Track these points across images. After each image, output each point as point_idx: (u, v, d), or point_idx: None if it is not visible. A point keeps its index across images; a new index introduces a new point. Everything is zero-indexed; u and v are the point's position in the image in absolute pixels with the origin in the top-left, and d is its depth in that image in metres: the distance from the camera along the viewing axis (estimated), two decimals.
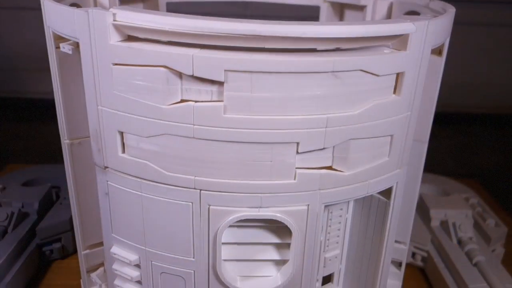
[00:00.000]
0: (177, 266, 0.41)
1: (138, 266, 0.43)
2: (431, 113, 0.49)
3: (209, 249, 0.40)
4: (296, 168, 0.38)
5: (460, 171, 1.20)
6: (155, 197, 0.39)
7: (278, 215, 0.39)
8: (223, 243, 0.40)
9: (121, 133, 0.39)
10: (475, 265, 0.70)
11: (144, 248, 0.42)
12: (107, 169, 0.41)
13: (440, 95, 0.49)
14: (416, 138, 0.49)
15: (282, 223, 0.39)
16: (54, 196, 0.85)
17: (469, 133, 1.45)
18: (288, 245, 0.41)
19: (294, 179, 0.38)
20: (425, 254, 0.78)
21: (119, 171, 0.40)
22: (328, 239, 0.48)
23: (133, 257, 0.43)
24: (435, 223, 0.80)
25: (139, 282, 0.44)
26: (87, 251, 0.53)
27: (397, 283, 0.57)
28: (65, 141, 0.47)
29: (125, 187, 0.40)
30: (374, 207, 0.46)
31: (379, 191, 0.42)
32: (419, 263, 0.79)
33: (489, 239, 0.76)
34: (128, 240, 0.43)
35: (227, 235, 0.40)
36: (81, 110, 0.44)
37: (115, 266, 0.45)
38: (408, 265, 0.79)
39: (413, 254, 0.79)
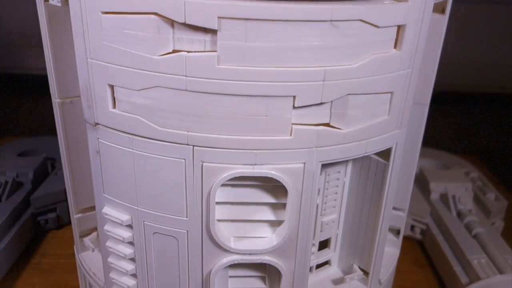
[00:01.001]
0: (170, 226, 0.40)
1: (130, 226, 0.42)
2: (433, 75, 0.47)
3: (202, 208, 0.39)
4: (292, 124, 0.37)
5: (460, 149, 1.19)
6: (147, 154, 0.38)
7: (273, 172, 0.37)
8: (217, 203, 0.39)
9: (112, 87, 0.38)
10: (474, 236, 0.69)
11: (136, 207, 0.41)
12: (97, 126, 0.40)
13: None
14: (417, 101, 0.48)
15: (278, 182, 0.38)
16: (50, 168, 0.85)
17: (469, 113, 1.43)
18: (283, 206, 0.40)
19: (290, 135, 0.37)
20: (424, 227, 0.77)
21: (110, 128, 0.39)
22: (325, 203, 0.47)
23: (125, 217, 0.42)
24: (434, 196, 0.79)
25: (131, 243, 0.43)
26: (80, 215, 0.52)
27: (395, 250, 0.56)
28: (56, 100, 0.45)
29: (116, 144, 0.39)
30: (372, 170, 0.45)
31: (378, 151, 0.41)
32: (417, 236, 0.78)
33: (488, 213, 0.75)
34: (119, 200, 0.42)
35: (221, 195, 0.39)
36: (72, 69, 0.42)
37: (107, 227, 0.44)
38: (407, 238, 0.78)
39: (412, 227, 0.78)
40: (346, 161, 0.46)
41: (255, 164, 0.37)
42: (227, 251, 0.40)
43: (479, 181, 0.84)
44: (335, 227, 0.49)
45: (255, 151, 0.37)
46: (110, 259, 0.45)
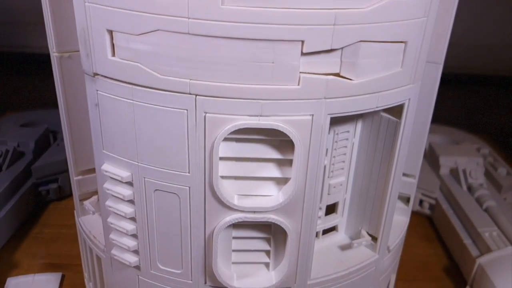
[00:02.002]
0: (171, 182, 0.39)
1: (130, 184, 0.41)
2: (447, 32, 0.45)
3: (205, 163, 0.37)
4: (301, 72, 0.35)
5: (469, 129, 1.17)
6: (147, 104, 0.36)
7: (280, 124, 0.36)
8: (220, 158, 0.37)
9: (110, 32, 0.36)
10: (486, 210, 0.68)
11: (136, 163, 0.39)
12: (96, 76, 0.38)
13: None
14: (430, 59, 0.45)
15: (284, 136, 0.36)
16: (52, 139, 0.83)
17: (478, 94, 1.40)
18: (290, 162, 0.38)
19: (298, 84, 0.35)
20: (433, 202, 0.75)
21: (109, 78, 0.37)
22: (333, 164, 0.45)
23: (125, 173, 0.40)
24: (444, 170, 0.77)
25: (131, 201, 0.41)
26: (80, 177, 0.50)
27: (404, 219, 0.54)
28: (54, 54, 0.44)
29: (116, 95, 0.37)
30: (383, 129, 0.43)
31: (390, 106, 0.39)
32: (426, 211, 0.76)
33: (500, 187, 0.74)
34: (119, 156, 0.40)
35: (225, 150, 0.38)
36: (70, 20, 0.40)
37: (107, 185, 0.42)
38: (415, 213, 0.77)
39: (421, 202, 0.77)
40: (356, 120, 0.44)
41: (261, 116, 0.36)
42: (230, 208, 0.39)
43: (490, 157, 0.82)
44: (343, 190, 0.47)
45: (260, 101, 0.35)
46: (110, 219, 0.44)
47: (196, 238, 0.41)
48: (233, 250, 0.42)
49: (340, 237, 0.50)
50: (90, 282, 0.56)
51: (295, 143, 0.36)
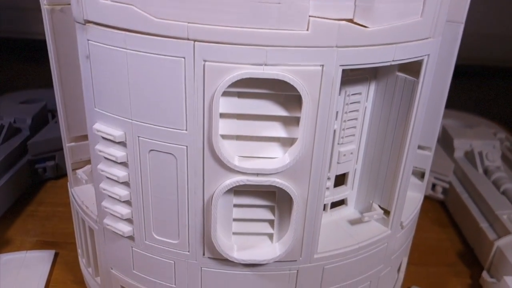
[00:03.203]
0: (167, 141, 0.36)
1: (123, 144, 0.38)
2: None
3: (204, 119, 0.34)
4: (310, 16, 0.31)
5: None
6: (141, 53, 0.33)
7: (287, 75, 0.32)
8: (221, 116, 0.34)
9: None
10: (503, 193, 0.64)
11: (130, 120, 0.36)
12: (88, 24, 0.35)
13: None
14: (451, 18, 0.42)
15: (290, 89, 0.33)
16: (50, 118, 0.81)
17: (491, 86, 1.36)
18: (297, 121, 0.35)
19: (307, 29, 0.31)
20: (446, 185, 0.72)
21: (101, 24, 0.34)
22: (343, 129, 0.42)
23: (118, 132, 0.37)
24: (458, 153, 0.74)
25: (124, 164, 0.38)
26: (72, 143, 0.47)
27: (418, 195, 0.51)
28: (44, 7, 0.41)
29: (108, 44, 0.34)
30: (398, 91, 0.40)
31: (407, 60, 0.36)
32: (439, 195, 0.73)
33: None
34: (112, 113, 0.37)
35: (225, 106, 0.34)
36: None
37: (99, 146, 0.39)
38: (428, 198, 0.73)
39: (433, 186, 0.73)
40: (369, 81, 0.41)
41: (265, 64, 0.32)
42: (231, 170, 0.36)
43: (507, 141, 0.78)
44: (354, 160, 0.44)
45: (265, 47, 0.32)
46: (102, 185, 0.41)
47: (194, 204, 0.38)
48: (234, 220, 0.39)
49: (350, 211, 0.47)
50: (83, 258, 0.53)
51: (303, 97, 0.33)
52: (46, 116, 0.79)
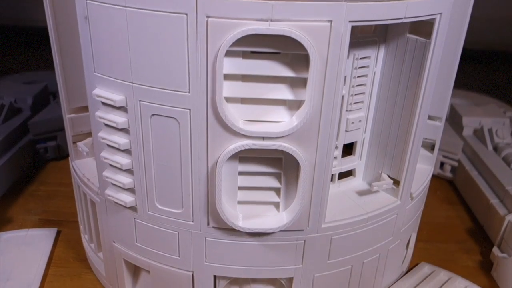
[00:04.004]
0: (169, 105, 0.34)
1: (124, 109, 0.36)
2: None
3: (207, 79, 0.33)
4: None
5: None
6: (142, 10, 0.32)
7: (293, 31, 0.31)
8: (225, 77, 0.33)
9: None
10: None
11: (130, 83, 0.35)
12: None
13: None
14: None
15: (297, 47, 0.32)
16: (52, 99, 0.80)
17: (501, 71, 1.34)
18: (304, 82, 0.34)
19: None
20: (455, 164, 0.70)
21: None
22: (351, 95, 0.40)
23: (118, 97, 0.36)
24: (467, 131, 0.72)
25: (126, 130, 0.37)
26: (73, 115, 0.46)
27: (428, 167, 0.49)
28: None
29: (107, 1, 0.33)
30: (409, 54, 0.38)
31: (419, 18, 0.34)
32: (447, 174, 0.72)
33: None
34: (112, 77, 0.36)
35: (230, 66, 0.33)
36: None
37: (99, 113, 0.38)
38: (436, 177, 0.72)
39: (442, 165, 0.72)
40: (378, 45, 0.40)
41: (271, 20, 0.31)
42: (236, 134, 0.34)
43: None
44: (362, 128, 0.43)
45: (271, 1, 0.30)
46: (103, 154, 0.39)
47: (198, 171, 0.36)
48: (239, 188, 0.38)
49: (358, 182, 0.45)
50: (85, 234, 0.52)
51: (310, 55, 0.32)
52: (48, 97, 0.78)
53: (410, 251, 0.54)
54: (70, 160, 0.49)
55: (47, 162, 0.73)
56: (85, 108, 0.45)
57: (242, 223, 0.37)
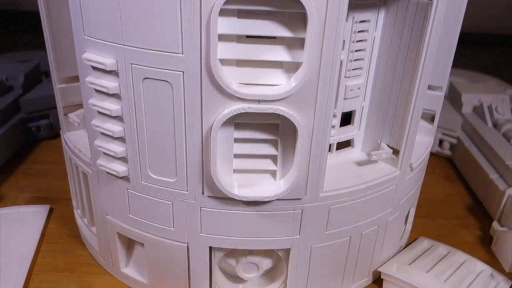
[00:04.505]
0: (162, 67, 0.33)
1: (115, 74, 0.35)
2: None
3: (201, 40, 0.32)
4: None
5: None
6: None
7: None
8: (219, 37, 0.32)
9: None
10: None
11: (122, 46, 0.34)
12: None
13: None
14: None
15: (294, 5, 0.30)
16: (44, 78, 0.78)
17: (501, 54, 1.33)
18: (301, 43, 0.32)
19: None
20: (454, 141, 0.69)
21: None
22: (350, 61, 0.39)
23: (109, 60, 0.35)
24: (466, 108, 0.71)
25: (117, 96, 0.36)
26: (63, 85, 0.45)
27: (428, 139, 0.48)
28: None
29: None
30: (410, 17, 0.37)
31: None
32: (446, 151, 0.71)
33: None
34: (102, 39, 0.34)
35: (224, 26, 0.32)
36: None
37: (90, 78, 0.37)
38: (434, 154, 0.71)
39: (440, 142, 0.71)
40: (378, 7, 0.38)
41: None
42: (231, 97, 0.33)
43: None
44: (361, 96, 0.42)
45: None
46: (94, 122, 0.38)
47: (192, 138, 0.35)
48: (235, 156, 0.37)
49: (356, 153, 0.44)
50: (78, 209, 0.51)
51: (308, 13, 0.31)
52: (40, 75, 0.76)
53: (409, 226, 0.53)
54: (61, 133, 0.48)
55: (40, 141, 0.72)
56: (76, 78, 0.44)
57: (237, 191, 0.36)
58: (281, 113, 0.33)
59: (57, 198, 0.58)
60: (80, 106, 0.46)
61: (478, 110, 0.70)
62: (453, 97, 0.73)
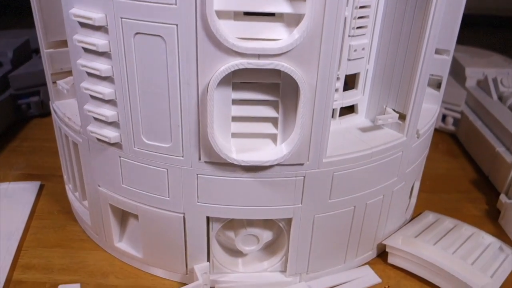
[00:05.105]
0: (154, 20, 0.31)
1: (105, 30, 0.33)
2: None
3: None
4: None
5: None
6: None
7: None
8: None
9: None
10: None
11: None
12: None
13: None
14: None
15: None
16: (35, 56, 0.75)
17: (499, 36, 1.31)
18: None
19: None
20: (458, 115, 0.67)
21: None
22: (355, 18, 0.37)
23: (97, 15, 0.32)
24: (470, 82, 0.69)
25: (107, 54, 0.34)
26: (51, 50, 0.43)
27: (434, 107, 0.46)
28: None
29: None
30: None
31: None
32: (450, 127, 0.69)
33: None
34: None
35: None
36: None
37: (78, 36, 0.34)
38: (438, 130, 0.69)
39: (444, 118, 0.69)
40: None
41: None
42: (229, 52, 0.31)
43: None
44: (366, 58, 0.39)
45: None
46: (84, 84, 0.36)
47: (188, 98, 0.33)
48: (233, 119, 0.35)
49: (360, 120, 0.42)
50: (69, 184, 0.48)
51: None
52: (29, 52, 0.74)
53: (414, 200, 0.52)
54: (50, 103, 0.46)
55: (30, 119, 0.69)
56: (64, 43, 0.41)
57: (236, 156, 0.34)
58: (282, 69, 0.31)
59: (48, 175, 0.56)
60: (69, 73, 0.44)
61: (482, 84, 0.68)
62: (456, 72, 0.71)
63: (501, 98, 0.64)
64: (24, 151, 0.62)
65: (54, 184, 0.55)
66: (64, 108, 0.43)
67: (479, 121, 0.63)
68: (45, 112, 0.70)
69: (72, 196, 0.48)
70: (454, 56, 0.74)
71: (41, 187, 0.54)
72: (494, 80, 0.65)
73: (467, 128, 0.65)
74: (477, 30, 1.27)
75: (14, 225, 0.47)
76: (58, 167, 0.52)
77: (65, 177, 0.50)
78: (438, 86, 0.46)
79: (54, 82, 0.44)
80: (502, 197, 0.52)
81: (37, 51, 0.76)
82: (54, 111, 0.44)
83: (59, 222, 0.49)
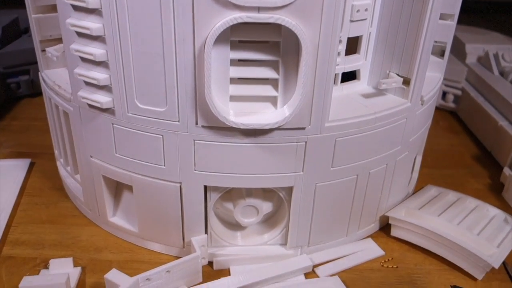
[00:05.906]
0: None
1: None
2: None
3: None
4: None
5: None
6: None
7: None
8: None
9: None
10: None
11: None
12: None
13: None
14: None
15: None
16: (24, 34, 0.73)
17: (495, 21, 1.30)
18: None
19: None
20: (458, 92, 0.66)
21: None
22: None
23: None
24: (471, 59, 0.68)
25: (98, 12, 0.32)
26: (39, 15, 0.41)
27: (438, 75, 0.45)
28: None
29: None
30: None
31: None
32: (450, 104, 0.68)
33: None
34: None
35: None
36: None
37: None
38: (438, 108, 0.68)
39: (444, 95, 0.68)
40: None
41: None
42: (227, 5, 0.29)
43: None
44: (368, 20, 0.38)
45: None
46: (74, 46, 0.34)
47: (183, 57, 0.31)
48: (231, 81, 0.33)
49: (362, 86, 0.41)
50: (60, 158, 0.47)
51: None
52: (19, 31, 0.72)
53: (416, 174, 0.50)
54: (40, 72, 0.44)
55: (20, 99, 0.67)
56: (54, 8, 0.40)
57: (235, 119, 0.33)
58: (283, 23, 0.30)
59: (38, 153, 0.54)
60: (58, 41, 0.42)
61: (483, 60, 0.66)
62: (456, 48, 0.70)
63: (502, 73, 0.63)
64: (14, 130, 0.60)
65: (45, 161, 0.53)
66: (54, 77, 0.41)
67: (480, 97, 0.62)
68: (35, 92, 0.67)
69: (64, 172, 0.47)
70: (454, 34, 0.72)
71: (31, 165, 0.52)
72: (495, 56, 0.64)
73: (468, 104, 0.64)
74: (475, 16, 1.26)
75: (4, 201, 0.45)
76: (49, 145, 0.50)
77: (56, 152, 0.48)
78: (441, 53, 0.45)
79: (43, 50, 0.42)
80: (506, 170, 0.50)
81: (26, 30, 0.74)
82: (44, 80, 0.42)
83: (51, 198, 0.47)
